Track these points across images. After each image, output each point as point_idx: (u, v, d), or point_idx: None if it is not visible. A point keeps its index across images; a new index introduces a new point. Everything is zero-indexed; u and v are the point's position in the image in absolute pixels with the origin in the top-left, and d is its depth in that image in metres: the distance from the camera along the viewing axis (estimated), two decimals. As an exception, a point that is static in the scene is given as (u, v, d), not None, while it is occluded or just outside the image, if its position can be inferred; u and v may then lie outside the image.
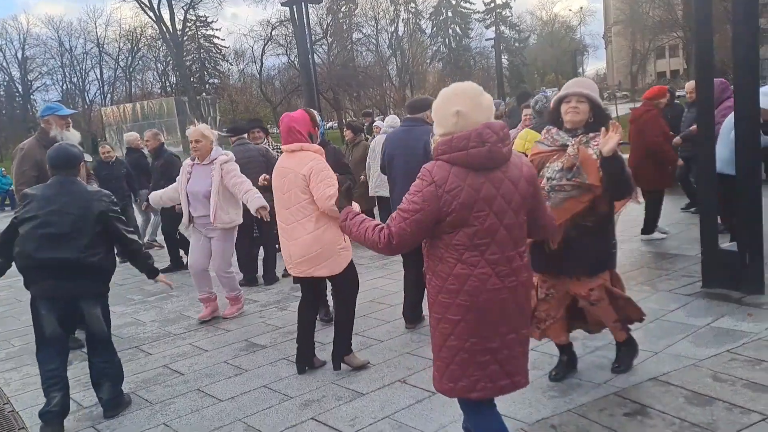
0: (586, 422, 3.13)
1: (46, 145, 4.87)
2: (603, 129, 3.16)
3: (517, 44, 59.10)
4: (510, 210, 2.40)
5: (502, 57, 50.24)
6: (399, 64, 53.41)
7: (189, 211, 5.44)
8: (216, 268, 5.51)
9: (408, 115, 4.87)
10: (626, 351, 3.68)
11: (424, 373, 3.92)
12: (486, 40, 52.68)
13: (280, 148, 6.26)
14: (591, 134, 3.27)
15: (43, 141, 4.95)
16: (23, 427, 3.72)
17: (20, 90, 57.28)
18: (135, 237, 3.82)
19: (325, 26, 49.94)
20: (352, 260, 4.06)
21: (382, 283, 6.22)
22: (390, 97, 53.77)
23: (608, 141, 3.09)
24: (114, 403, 3.75)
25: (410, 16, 54.46)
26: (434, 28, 56.47)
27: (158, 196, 5.73)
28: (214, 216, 5.30)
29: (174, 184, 5.70)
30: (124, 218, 3.79)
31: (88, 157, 4.92)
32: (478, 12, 60.26)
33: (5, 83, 57.17)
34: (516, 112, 6.76)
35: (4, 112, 57.02)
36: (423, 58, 55.12)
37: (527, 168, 2.51)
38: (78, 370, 4.47)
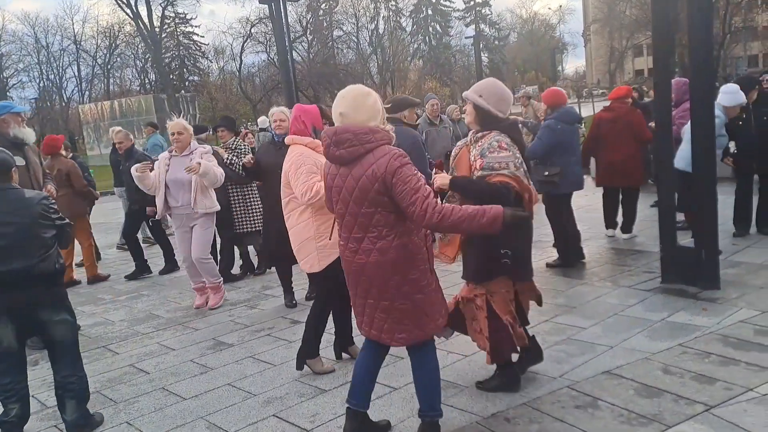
0: (538, 414, 3.23)
1: (3, 145, 4.84)
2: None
3: (497, 42, 59.46)
4: (351, 201, 2.81)
5: (482, 55, 50.50)
6: (380, 62, 53.46)
7: (165, 201, 5.62)
8: (195, 255, 5.66)
9: (386, 114, 4.93)
10: (497, 374, 3.55)
11: (386, 369, 3.98)
12: (466, 38, 53.00)
13: (245, 147, 6.37)
14: (480, 134, 3.35)
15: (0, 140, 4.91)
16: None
17: (-5, 87, 56.41)
18: (64, 220, 3.56)
19: (304, 24, 49.84)
20: (335, 264, 3.67)
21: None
22: (371, 94, 53.81)
23: (436, 179, 3.32)
24: (79, 424, 3.51)
25: (390, 13, 54.52)
26: (414, 26, 56.61)
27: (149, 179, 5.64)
28: (194, 201, 5.50)
29: (153, 172, 5.76)
30: (54, 208, 3.52)
31: (20, 161, 4.66)
32: (458, 10, 60.53)
33: (-21, 80, 56.30)
34: None
35: (-22, 109, 56.03)
36: (404, 55, 55.23)
37: (376, 167, 2.72)
38: (44, 370, 4.48)
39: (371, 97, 2.82)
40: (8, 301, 3.36)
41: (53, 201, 3.56)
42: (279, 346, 4.62)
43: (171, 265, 7.57)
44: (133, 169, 5.60)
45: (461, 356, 4.08)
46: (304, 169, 3.81)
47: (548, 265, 5.94)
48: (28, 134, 5.05)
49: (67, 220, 3.62)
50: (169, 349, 4.80)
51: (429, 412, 3.03)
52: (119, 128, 8.01)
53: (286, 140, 4.03)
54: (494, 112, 3.31)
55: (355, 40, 53.42)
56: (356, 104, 2.78)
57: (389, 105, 5.18)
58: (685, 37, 7.84)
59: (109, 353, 4.85)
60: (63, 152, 7.29)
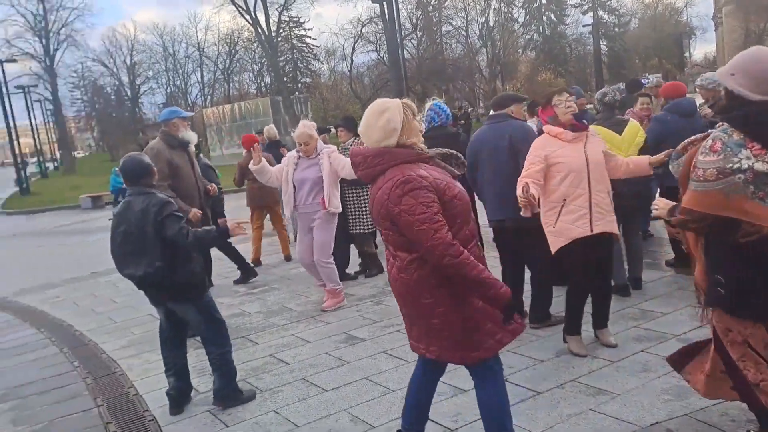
0: (704, 427, 2.97)
1: (172, 145, 5.27)
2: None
3: (616, 29, 56.48)
4: (378, 219, 2.68)
5: (601, 43, 48.24)
6: (489, 55, 52.55)
7: (294, 199, 5.68)
8: (316, 256, 5.67)
9: (492, 112, 4.78)
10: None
11: (526, 372, 3.87)
12: (583, 26, 50.79)
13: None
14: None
15: (170, 141, 5.33)
16: (147, 410, 4.00)
17: (129, 94, 61.39)
18: (171, 230, 3.56)
19: (414, 21, 50.00)
20: (565, 248, 3.94)
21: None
22: (480, 89, 53.09)
23: (659, 203, 2.68)
24: (219, 395, 3.85)
25: (502, 5, 53.30)
26: (527, 17, 54.98)
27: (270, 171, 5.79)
28: (328, 200, 5.55)
29: (277, 167, 5.86)
30: (177, 214, 3.61)
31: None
32: (575, -3, 58.02)
33: (115, 88, 61.51)
34: (631, 101, 6.45)
35: (114, 114, 61.32)
36: (515, 47, 53.94)
37: (381, 192, 2.60)
38: (192, 357, 4.73)
39: (383, 117, 2.60)
40: (147, 293, 3.84)
41: (163, 207, 3.58)
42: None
43: (247, 273, 7.32)
44: (250, 164, 5.67)
45: (608, 362, 3.86)
46: None
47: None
48: (192, 137, 5.50)
49: (201, 228, 3.78)
50: (305, 341, 4.93)
51: None
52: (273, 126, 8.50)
53: None
54: (744, 92, 2.35)
55: (465, 34, 52.85)
56: (368, 124, 2.65)
57: (492, 102, 5.00)
58: None
59: (249, 343, 5.05)
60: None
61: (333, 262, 5.79)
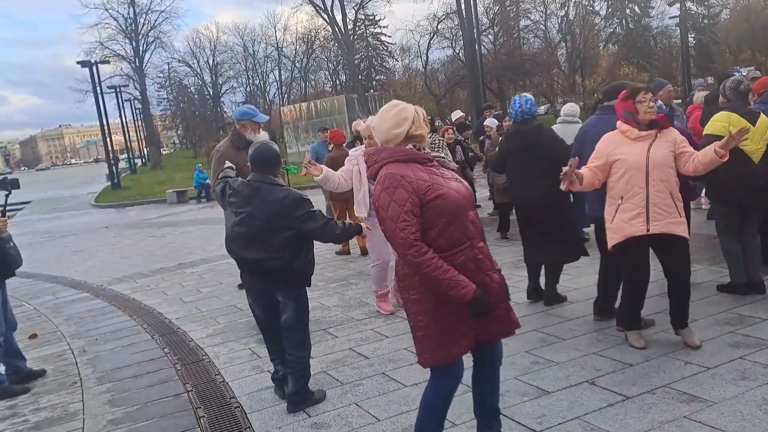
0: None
1: (239, 147, 5.38)
2: None
3: (705, 21, 53.57)
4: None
5: (689, 36, 45.88)
6: (569, 50, 51.11)
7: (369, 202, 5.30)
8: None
9: (604, 103, 4.61)
10: None
11: (614, 375, 3.73)
12: (670, 18, 48.42)
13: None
14: None
15: (237, 143, 5.45)
16: (233, 397, 4.14)
17: (211, 93, 63.85)
18: (314, 223, 3.64)
19: (491, 15, 49.32)
20: (621, 244, 4.01)
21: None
22: (558, 84, 51.69)
23: None
24: (294, 399, 3.79)
25: (582, -2, 51.67)
26: (609, 9, 53.01)
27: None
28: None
29: (342, 172, 5.39)
30: (302, 212, 3.63)
31: None
32: (660, -12, 55.40)
33: (199, 87, 64.10)
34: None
35: (197, 113, 63.93)
36: (596, 41, 52.20)
37: (374, 188, 2.72)
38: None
39: (396, 108, 2.78)
40: (248, 282, 3.90)
41: (301, 204, 3.64)
42: (492, 341, 4.55)
43: None
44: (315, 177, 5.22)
45: (702, 368, 3.67)
46: None
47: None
48: (264, 137, 5.47)
49: (329, 219, 3.74)
50: (384, 336, 4.96)
51: None
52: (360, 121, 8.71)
53: None
54: None
55: (543, 28, 51.63)
56: (382, 117, 2.79)
57: (603, 91, 4.85)
58: None
59: (329, 336, 5.14)
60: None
61: None
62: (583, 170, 3.93)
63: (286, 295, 3.78)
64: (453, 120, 11.71)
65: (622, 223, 3.92)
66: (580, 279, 5.70)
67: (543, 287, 5.31)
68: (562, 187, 3.92)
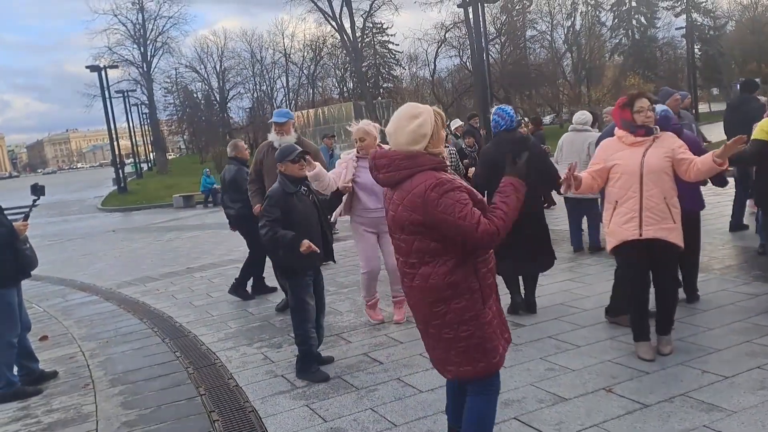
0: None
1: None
2: None
3: (711, 32, 53.61)
4: (392, 225, 2.71)
5: (694, 47, 45.90)
6: (575, 60, 51.23)
7: (359, 203, 5.17)
8: (394, 261, 5.37)
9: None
10: None
11: (631, 383, 3.71)
12: (676, 29, 48.55)
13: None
14: None
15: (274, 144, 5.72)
16: (247, 401, 4.13)
17: (218, 98, 64.11)
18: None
19: (498, 25, 49.49)
20: (618, 248, 4.09)
21: (569, 285, 5.98)
22: (564, 94, 51.78)
23: None
24: (297, 365, 4.44)
25: (589, 8, 51.84)
26: (615, 20, 53.15)
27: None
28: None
29: (333, 174, 5.17)
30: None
31: None
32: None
33: (206, 93, 64.42)
34: (748, 101, 6.07)
35: (204, 118, 64.17)
36: (602, 52, 52.30)
37: (412, 196, 2.56)
38: (288, 353, 4.88)
39: (416, 122, 2.59)
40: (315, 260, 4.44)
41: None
42: (506, 348, 4.53)
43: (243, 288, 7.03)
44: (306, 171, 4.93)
45: (720, 377, 3.65)
46: None
47: None
48: (287, 141, 5.62)
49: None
50: (398, 342, 4.94)
51: None
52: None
53: None
54: None
55: (549, 38, 51.78)
56: (398, 127, 2.62)
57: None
58: None
59: (342, 341, 5.13)
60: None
61: None
62: (583, 174, 4.03)
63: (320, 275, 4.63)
64: (452, 129, 11.58)
65: (616, 227, 4.00)
66: (593, 286, 5.69)
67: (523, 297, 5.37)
68: (562, 190, 4.10)
